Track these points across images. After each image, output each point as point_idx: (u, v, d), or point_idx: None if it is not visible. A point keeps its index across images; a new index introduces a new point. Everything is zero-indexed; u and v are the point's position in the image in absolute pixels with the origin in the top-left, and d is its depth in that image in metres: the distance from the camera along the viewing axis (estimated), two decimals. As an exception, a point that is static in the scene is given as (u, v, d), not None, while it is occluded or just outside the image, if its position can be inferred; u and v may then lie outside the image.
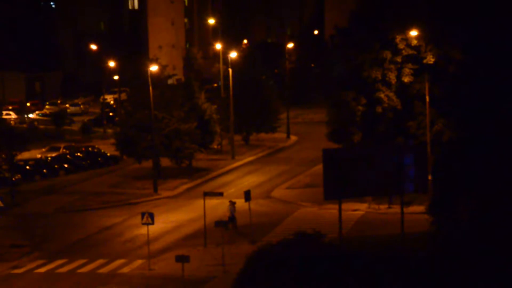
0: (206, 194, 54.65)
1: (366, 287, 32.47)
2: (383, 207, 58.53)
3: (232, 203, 56.17)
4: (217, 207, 58.79)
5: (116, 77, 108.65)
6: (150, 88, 68.62)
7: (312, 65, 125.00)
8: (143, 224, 48.72)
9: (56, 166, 76.88)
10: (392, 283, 32.87)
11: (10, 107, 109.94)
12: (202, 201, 53.97)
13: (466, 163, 38.85)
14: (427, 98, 57.77)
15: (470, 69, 56.80)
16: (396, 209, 53.22)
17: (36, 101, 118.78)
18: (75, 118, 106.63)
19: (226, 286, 37.61)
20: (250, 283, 34.17)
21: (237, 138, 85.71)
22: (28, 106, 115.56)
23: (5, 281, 46.52)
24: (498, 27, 53.58)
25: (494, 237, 33.55)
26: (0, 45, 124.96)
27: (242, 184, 68.66)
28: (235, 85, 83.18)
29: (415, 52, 60.34)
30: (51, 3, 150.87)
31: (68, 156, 79.91)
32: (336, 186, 49.64)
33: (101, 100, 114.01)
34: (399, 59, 60.42)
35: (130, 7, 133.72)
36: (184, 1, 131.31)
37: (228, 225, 54.00)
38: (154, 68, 72.17)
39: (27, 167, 74.41)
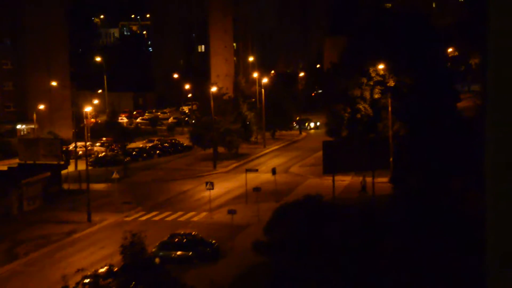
0: (247, 170, 54.73)
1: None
2: (361, 178, 58.12)
3: (363, 177, 51.81)
4: (254, 179, 58.67)
5: (189, 95, 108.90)
6: (212, 101, 68.85)
7: (316, 87, 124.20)
8: (207, 189, 49.11)
9: (151, 152, 77.24)
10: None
11: (123, 115, 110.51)
12: (244, 175, 54.18)
13: (413, 149, 38.77)
14: (390, 108, 57.39)
15: (415, 90, 56.55)
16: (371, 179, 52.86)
17: (139, 111, 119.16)
18: (164, 121, 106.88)
19: (259, 229, 37.61)
20: (274, 227, 34.24)
21: (267, 134, 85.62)
22: (134, 114, 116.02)
23: (121, 225, 47.00)
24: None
25: (430, 197, 33.28)
26: (118, 75, 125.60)
27: (270, 164, 68.53)
28: (266, 100, 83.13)
29: (381, 79, 59.92)
30: (150, 48, 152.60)
31: (159, 145, 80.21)
32: (331, 165, 49.69)
33: (180, 109, 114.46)
34: (371, 83, 59.96)
35: (199, 50, 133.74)
36: (234, 46, 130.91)
37: (361, 191, 50.63)
38: (214, 89, 72.47)
39: (134, 153, 74.86)
